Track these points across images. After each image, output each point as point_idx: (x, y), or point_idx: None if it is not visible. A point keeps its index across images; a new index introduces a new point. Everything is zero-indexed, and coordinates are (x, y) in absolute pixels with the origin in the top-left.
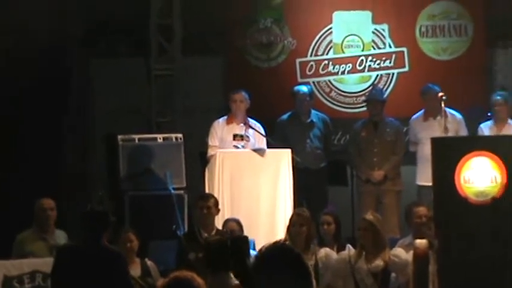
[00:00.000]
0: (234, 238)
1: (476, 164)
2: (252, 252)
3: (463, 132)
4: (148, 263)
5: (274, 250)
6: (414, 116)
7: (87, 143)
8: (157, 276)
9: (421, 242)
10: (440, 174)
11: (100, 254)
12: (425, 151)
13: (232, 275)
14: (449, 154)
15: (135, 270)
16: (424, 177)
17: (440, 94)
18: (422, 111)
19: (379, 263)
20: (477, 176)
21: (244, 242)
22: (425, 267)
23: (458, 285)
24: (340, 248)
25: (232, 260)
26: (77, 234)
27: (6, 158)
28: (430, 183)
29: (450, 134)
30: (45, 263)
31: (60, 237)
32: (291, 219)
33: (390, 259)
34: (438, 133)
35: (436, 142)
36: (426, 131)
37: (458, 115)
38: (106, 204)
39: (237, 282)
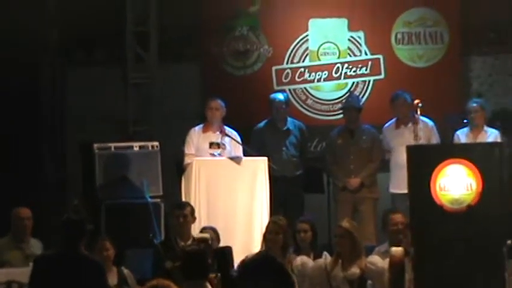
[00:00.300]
0: (218, 248)
1: (452, 172)
2: None
3: (435, 139)
4: (125, 271)
5: (258, 259)
6: (386, 124)
7: (64, 151)
8: (134, 284)
9: (396, 250)
10: (416, 181)
11: (78, 262)
12: (398, 159)
13: (208, 284)
14: (424, 162)
15: (112, 279)
16: (397, 184)
17: (416, 101)
18: (394, 119)
19: (355, 270)
20: (452, 183)
21: (228, 252)
22: (401, 275)
23: None
24: (317, 256)
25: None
26: (53, 243)
27: None
28: (404, 191)
29: (422, 141)
30: (21, 273)
31: (36, 246)
32: (267, 227)
33: (366, 266)
34: (410, 140)
35: (411, 150)
36: (398, 139)
37: (430, 122)
38: (82, 212)
39: None
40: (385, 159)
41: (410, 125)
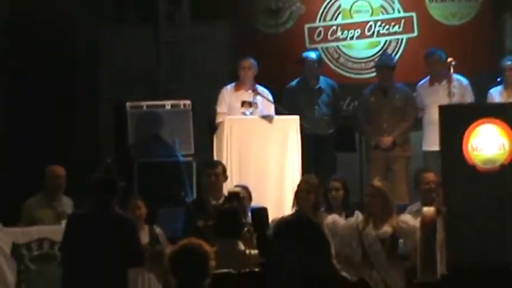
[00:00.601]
0: (255, 209)
1: (484, 131)
2: None
3: (469, 97)
4: (157, 230)
5: (295, 220)
6: (420, 82)
7: (97, 110)
8: (165, 243)
9: (428, 210)
10: (448, 141)
11: (110, 221)
12: (431, 116)
13: (240, 243)
14: (457, 122)
15: (144, 237)
16: (430, 142)
17: (449, 60)
18: (428, 77)
19: (387, 229)
20: (485, 143)
21: (264, 213)
22: (432, 234)
23: (465, 252)
24: (349, 215)
25: (253, 229)
26: (85, 203)
27: (18, 126)
28: (436, 149)
29: (456, 99)
30: (53, 231)
31: (67, 204)
32: (298, 186)
33: (398, 225)
34: (444, 98)
35: (443, 109)
36: (432, 97)
37: (464, 80)
38: (114, 171)
39: (243, 248)
40: (418, 117)
41: (444, 82)
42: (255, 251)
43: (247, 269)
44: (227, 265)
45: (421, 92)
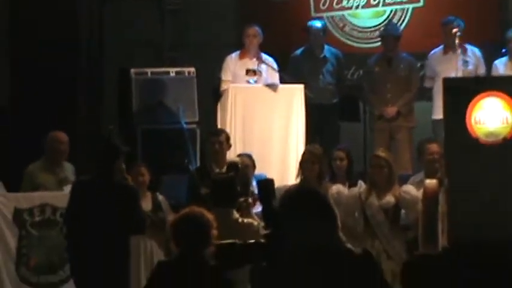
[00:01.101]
0: (261, 181)
1: (488, 105)
2: None
3: (482, 68)
4: (160, 197)
5: (302, 192)
6: (433, 51)
7: (101, 76)
8: (168, 210)
9: (430, 182)
10: (451, 114)
11: (112, 187)
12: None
13: (234, 212)
14: (460, 94)
15: (146, 204)
16: (440, 111)
17: (454, 30)
18: (441, 45)
19: (390, 199)
20: (488, 116)
21: (270, 184)
22: (434, 207)
23: (467, 225)
24: (352, 185)
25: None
26: (88, 169)
27: (20, 94)
28: None
29: (470, 68)
30: (55, 196)
31: (69, 170)
32: (303, 156)
33: (401, 195)
34: (457, 67)
35: (447, 82)
36: (445, 65)
37: (478, 51)
38: (117, 138)
39: (237, 217)
40: (428, 86)
41: (458, 52)
42: (249, 220)
43: (253, 240)
44: (221, 233)
45: (433, 60)
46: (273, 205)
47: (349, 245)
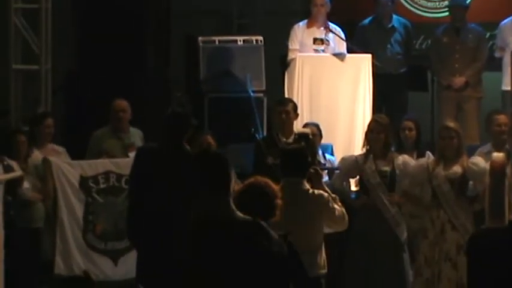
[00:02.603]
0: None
1: None
2: (330, 158)
3: None
4: None
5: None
6: (505, 20)
7: (169, 45)
8: (235, 179)
9: (498, 155)
10: None
11: (180, 156)
12: None
13: (304, 182)
14: None
15: None
16: (509, 82)
17: None
18: None
19: (457, 169)
20: None
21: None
22: (501, 181)
23: None
24: (420, 155)
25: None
26: (155, 136)
27: (88, 61)
28: None
29: None
30: (119, 164)
31: (136, 136)
32: (369, 126)
33: (468, 167)
34: None
35: None
36: None
37: None
38: (187, 106)
39: (307, 188)
40: (498, 56)
41: None
42: (319, 191)
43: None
44: (291, 204)
45: (505, 30)
46: None
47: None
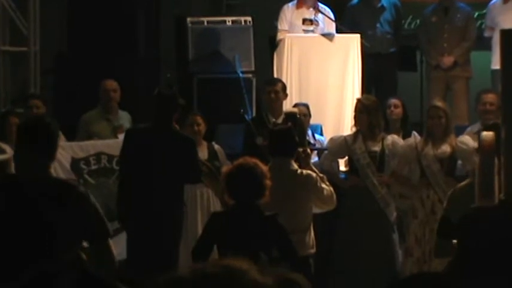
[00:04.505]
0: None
1: None
2: (320, 138)
3: None
4: (216, 146)
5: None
6: (493, 0)
7: (158, 25)
8: (224, 159)
9: (487, 135)
10: (508, 67)
11: (169, 136)
12: None
13: (292, 162)
14: None
15: (202, 153)
16: (499, 61)
17: None
18: None
19: (446, 149)
20: None
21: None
22: (491, 160)
23: None
24: (406, 135)
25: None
26: (144, 117)
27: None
28: None
29: None
30: (110, 145)
31: (124, 118)
32: (355, 106)
33: (457, 146)
34: None
35: (505, 34)
36: (506, 15)
37: None
38: (174, 86)
39: (296, 167)
40: (487, 36)
41: None
42: (307, 171)
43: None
44: (279, 184)
45: (493, 10)
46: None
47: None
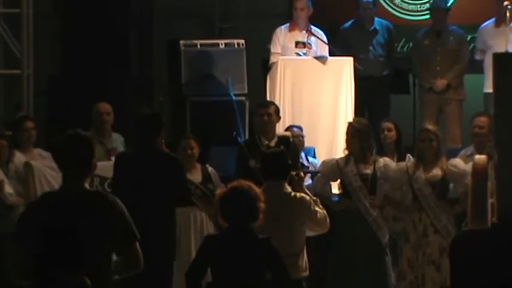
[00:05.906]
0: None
1: None
2: (312, 160)
3: None
4: (209, 169)
5: None
6: (484, 24)
7: (150, 48)
8: (218, 182)
9: (480, 158)
10: (501, 89)
11: (154, 158)
12: None
13: (286, 185)
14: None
15: (196, 176)
16: (491, 84)
17: (505, 3)
18: (493, 18)
19: (437, 172)
20: None
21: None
22: (484, 183)
23: None
24: (401, 158)
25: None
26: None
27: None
28: None
29: None
30: (103, 167)
31: (117, 140)
32: (346, 130)
33: (448, 169)
34: (509, 41)
35: (498, 58)
36: (498, 38)
37: None
38: (154, 107)
39: (289, 190)
40: (479, 59)
41: (511, 25)
42: (301, 194)
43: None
44: (273, 207)
45: (485, 33)
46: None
47: None
